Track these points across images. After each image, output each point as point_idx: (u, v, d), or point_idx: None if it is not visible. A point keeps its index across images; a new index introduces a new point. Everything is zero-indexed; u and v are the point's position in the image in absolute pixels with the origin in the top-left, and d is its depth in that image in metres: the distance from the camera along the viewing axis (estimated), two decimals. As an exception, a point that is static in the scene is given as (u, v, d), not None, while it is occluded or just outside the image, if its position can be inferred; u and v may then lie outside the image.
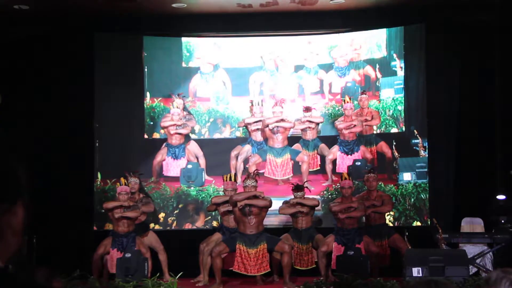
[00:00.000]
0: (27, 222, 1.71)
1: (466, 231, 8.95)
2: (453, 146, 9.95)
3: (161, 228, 10.16)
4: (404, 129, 10.31)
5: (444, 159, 9.97)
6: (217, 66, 10.83)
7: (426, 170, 9.96)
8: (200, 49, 10.85)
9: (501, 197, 9.30)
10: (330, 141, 10.46)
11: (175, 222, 10.37)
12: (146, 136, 10.64)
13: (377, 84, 10.55)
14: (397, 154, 10.19)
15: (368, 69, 10.63)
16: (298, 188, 9.02)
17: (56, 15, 9.93)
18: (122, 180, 8.89)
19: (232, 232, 8.89)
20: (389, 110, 10.43)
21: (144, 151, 10.53)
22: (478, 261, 8.47)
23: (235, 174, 9.81)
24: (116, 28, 10.48)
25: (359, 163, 10.14)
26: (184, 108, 10.47)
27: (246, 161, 10.29)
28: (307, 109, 10.30)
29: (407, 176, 10.07)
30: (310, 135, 10.41)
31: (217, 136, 10.78)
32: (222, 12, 10.12)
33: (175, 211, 10.38)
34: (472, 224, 9.11)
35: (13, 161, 1.71)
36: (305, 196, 9.06)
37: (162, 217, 10.32)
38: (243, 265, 8.45)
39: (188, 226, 10.36)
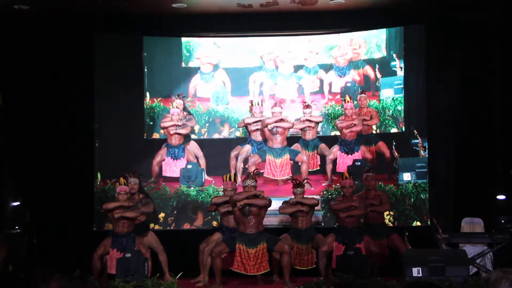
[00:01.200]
0: None
1: (466, 231, 8.95)
2: (453, 146, 9.94)
3: (161, 228, 10.16)
4: (404, 129, 10.31)
5: (444, 159, 9.96)
6: (217, 66, 10.83)
7: (426, 170, 9.96)
8: (200, 49, 10.85)
9: (501, 197, 9.30)
10: (330, 141, 10.46)
11: (174, 222, 10.37)
12: (146, 136, 10.65)
13: (376, 84, 10.55)
14: (396, 154, 10.19)
15: (368, 69, 10.64)
16: (298, 184, 9.03)
17: (56, 15, 9.93)
18: (122, 180, 8.89)
19: (232, 232, 8.89)
20: (388, 110, 10.43)
21: (144, 151, 10.53)
22: (478, 261, 8.47)
23: (235, 174, 9.81)
24: (116, 28, 10.47)
25: (359, 163, 10.14)
26: (184, 109, 10.48)
27: (245, 161, 10.29)
28: (307, 106, 10.31)
29: (407, 176, 10.07)
30: (309, 135, 10.40)
31: (216, 136, 10.79)
32: (222, 12, 10.12)
33: (175, 211, 10.38)
34: (472, 224, 9.11)
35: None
36: (305, 196, 9.06)
37: (162, 217, 10.32)
38: (242, 265, 8.44)
39: (187, 226, 10.36)
